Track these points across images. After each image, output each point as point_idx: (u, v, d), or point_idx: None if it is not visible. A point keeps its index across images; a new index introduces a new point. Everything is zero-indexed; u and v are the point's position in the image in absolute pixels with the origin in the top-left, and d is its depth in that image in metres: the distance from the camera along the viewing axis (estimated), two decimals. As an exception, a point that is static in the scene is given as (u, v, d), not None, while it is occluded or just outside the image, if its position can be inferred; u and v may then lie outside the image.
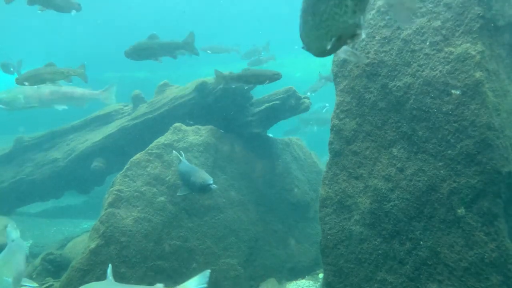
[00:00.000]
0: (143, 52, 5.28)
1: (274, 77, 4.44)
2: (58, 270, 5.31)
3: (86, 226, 8.01)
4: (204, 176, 3.73)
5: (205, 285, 2.48)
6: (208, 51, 9.04)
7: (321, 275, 5.06)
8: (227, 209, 4.99)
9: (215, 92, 5.50)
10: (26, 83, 5.07)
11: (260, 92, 5.72)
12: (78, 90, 6.45)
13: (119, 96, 7.44)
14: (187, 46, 5.17)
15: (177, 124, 5.20)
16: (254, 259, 5.02)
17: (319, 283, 4.90)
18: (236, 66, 5.68)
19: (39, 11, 5.10)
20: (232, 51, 9.20)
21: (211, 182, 3.69)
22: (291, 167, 5.81)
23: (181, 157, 4.28)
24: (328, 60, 3.55)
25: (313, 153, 6.44)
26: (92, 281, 4.04)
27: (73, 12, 5.13)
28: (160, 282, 4.35)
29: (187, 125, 5.23)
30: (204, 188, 3.71)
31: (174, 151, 4.35)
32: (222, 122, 5.49)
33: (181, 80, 6.74)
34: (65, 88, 6.22)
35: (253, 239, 5.08)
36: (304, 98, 5.51)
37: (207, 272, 2.49)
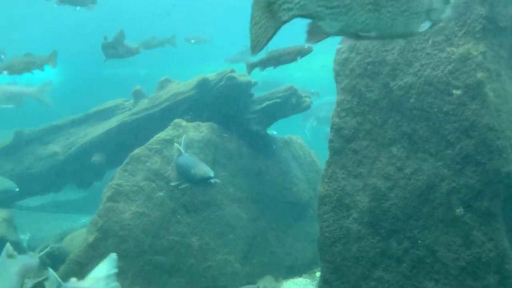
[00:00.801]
0: (110, 51, 5.44)
1: (304, 51, 4.14)
2: (56, 264, 5.31)
3: (84, 221, 8.01)
4: (205, 169, 3.69)
5: (115, 270, 2.43)
6: (192, 41, 9.00)
7: (318, 274, 5.06)
8: (226, 206, 5.00)
9: (216, 88, 5.51)
10: (5, 72, 5.06)
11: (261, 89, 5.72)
12: (16, 88, 6.20)
13: (122, 93, 7.42)
14: (116, 45, 5.15)
15: (177, 120, 5.21)
16: (252, 256, 5.03)
17: (316, 281, 4.90)
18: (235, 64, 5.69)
19: (56, 5, 5.11)
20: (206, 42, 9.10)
21: (212, 175, 3.65)
22: (291, 165, 5.81)
23: (181, 149, 4.24)
24: (330, 61, 3.53)
25: (312, 152, 6.45)
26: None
27: (90, 6, 5.14)
28: (157, 277, 4.38)
29: (186, 120, 5.22)
30: (204, 181, 3.66)
31: (176, 144, 4.31)
32: (223, 119, 5.49)
33: (182, 77, 6.74)
34: (5, 86, 6.00)
35: (251, 237, 5.09)
36: (305, 96, 5.51)
37: (113, 255, 2.45)
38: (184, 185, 4.00)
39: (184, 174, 3.92)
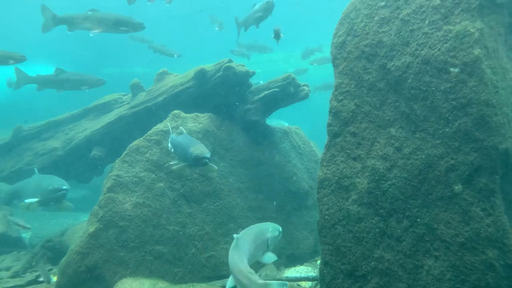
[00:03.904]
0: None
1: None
2: (58, 257, 5.34)
3: (85, 219, 8.01)
4: (202, 149, 3.65)
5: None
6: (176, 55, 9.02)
7: (319, 262, 5.07)
8: (226, 196, 5.00)
9: (214, 79, 5.49)
10: None
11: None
12: None
13: (121, 91, 7.40)
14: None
15: (176, 111, 5.21)
16: (253, 245, 5.04)
17: (317, 269, 4.91)
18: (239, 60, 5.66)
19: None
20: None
21: (208, 156, 3.62)
22: (290, 155, 5.81)
23: (183, 129, 4.19)
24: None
25: (312, 143, 6.44)
26: (91, 264, 4.07)
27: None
28: (158, 266, 4.39)
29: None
30: (199, 161, 3.61)
31: (180, 127, 4.29)
32: (221, 109, 5.48)
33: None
34: None
35: (251, 226, 5.09)
36: (303, 85, 5.49)
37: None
38: (179, 164, 3.91)
39: (181, 152, 3.85)
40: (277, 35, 4.25)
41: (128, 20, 5.15)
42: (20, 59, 5.08)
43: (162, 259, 4.39)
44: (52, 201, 4.79)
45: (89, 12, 5.15)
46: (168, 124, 4.55)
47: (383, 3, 3.06)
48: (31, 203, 4.83)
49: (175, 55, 8.11)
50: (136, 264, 4.24)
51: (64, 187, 4.79)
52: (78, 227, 5.85)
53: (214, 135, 5.18)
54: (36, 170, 5.61)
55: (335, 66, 3.33)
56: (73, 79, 5.83)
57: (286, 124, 6.28)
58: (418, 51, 2.77)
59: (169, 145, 4.18)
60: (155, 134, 4.91)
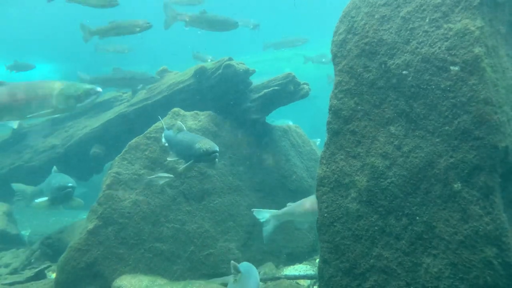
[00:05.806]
0: None
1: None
2: (57, 254, 5.34)
3: (85, 216, 8.01)
4: (211, 143, 3.59)
5: None
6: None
7: (318, 260, 5.08)
8: (226, 194, 5.01)
9: (214, 77, 5.49)
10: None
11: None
12: None
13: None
14: None
15: (175, 109, 5.21)
16: (252, 243, 5.05)
17: (316, 267, 4.92)
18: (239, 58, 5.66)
19: None
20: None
21: (218, 150, 3.56)
22: (290, 154, 5.82)
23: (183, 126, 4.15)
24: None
25: (312, 141, 6.44)
26: (90, 261, 4.07)
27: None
28: (157, 264, 4.40)
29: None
30: (209, 156, 3.53)
31: (178, 122, 4.22)
32: (221, 107, 5.48)
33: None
34: None
35: (251, 224, 5.11)
36: (303, 84, 5.49)
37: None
38: (180, 161, 3.83)
39: (184, 149, 3.76)
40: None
41: (226, 20, 5.54)
42: (146, 27, 5.40)
43: (161, 256, 4.40)
44: (61, 199, 4.77)
45: (202, 13, 5.51)
46: (161, 120, 4.54)
47: (383, 1, 3.05)
48: (41, 202, 4.83)
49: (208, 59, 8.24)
50: (135, 261, 4.25)
51: (70, 184, 4.76)
52: (77, 224, 5.85)
53: (214, 133, 5.18)
54: (55, 168, 5.52)
55: (335, 64, 3.32)
56: (128, 77, 6.07)
57: (291, 123, 6.30)
58: (418, 49, 2.77)
59: (163, 140, 4.12)
60: (155, 132, 4.91)
